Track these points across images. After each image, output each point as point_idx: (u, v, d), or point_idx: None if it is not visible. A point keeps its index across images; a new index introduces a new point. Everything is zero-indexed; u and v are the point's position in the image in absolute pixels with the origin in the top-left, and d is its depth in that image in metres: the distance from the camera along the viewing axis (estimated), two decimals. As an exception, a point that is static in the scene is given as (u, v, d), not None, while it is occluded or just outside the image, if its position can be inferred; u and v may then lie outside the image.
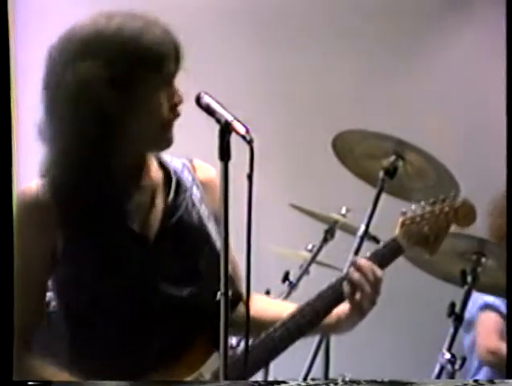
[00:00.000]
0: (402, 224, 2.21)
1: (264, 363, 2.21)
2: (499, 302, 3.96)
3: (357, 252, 3.06)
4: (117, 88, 2.06)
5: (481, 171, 4.74)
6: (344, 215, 3.64)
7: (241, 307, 2.23)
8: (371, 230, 3.12)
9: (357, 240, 3.11)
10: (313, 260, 3.67)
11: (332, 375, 3.35)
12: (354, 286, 2.15)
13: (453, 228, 2.32)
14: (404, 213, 2.23)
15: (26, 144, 3.90)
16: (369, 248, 3.22)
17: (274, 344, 2.16)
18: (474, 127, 5.18)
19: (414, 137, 3.06)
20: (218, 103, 1.94)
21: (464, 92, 5.20)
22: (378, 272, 2.16)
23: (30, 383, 2.11)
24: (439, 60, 5.25)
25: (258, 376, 2.24)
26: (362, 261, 2.18)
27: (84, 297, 2.13)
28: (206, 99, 1.95)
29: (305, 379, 3.11)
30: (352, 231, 3.32)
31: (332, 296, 2.18)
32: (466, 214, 2.28)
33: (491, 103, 5.36)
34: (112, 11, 2.11)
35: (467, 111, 5.19)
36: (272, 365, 2.67)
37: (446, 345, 2.87)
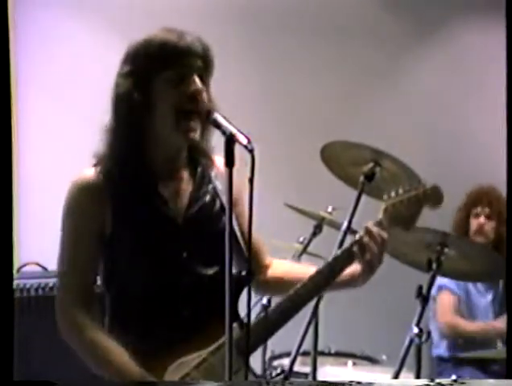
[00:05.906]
0: (385, 210, 2.40)
1: (291, 316, 2.30)
2: (452, 284, 4.30)
3: (341, 245, 3.14)
4: (140, 86, 2.21)
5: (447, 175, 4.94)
6: (330, 213, 3.94)
7: (266, 274, 2.49)
8: (353, 225, 3.21)
9: (341, 234, 3.21)
10: (304, 250, 3.96)
11: (320, 347, 3.49)
12: (364, 248, 2.31)
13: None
14: (386, 199, 2.42)
15: (27, 144, 3.98)
16: (351, 240, 3.57)
17: (299, 299, 2.30)
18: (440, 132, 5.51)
19: (389, 145, 3.20)
20: (224, 118, 2.12)
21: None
22: (385, 235, 2.31)
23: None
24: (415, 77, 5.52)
25: (258, 351, 2.36)
26: (371, 226, 2.33)
27: (124, 275, 2.29)
28: (214, 115, 2.15)
29: (298, 350, 3.21)
30: (337, 226, 3.46)
31: (346, 257, 2.34)
32: (435, 196, 2.43)
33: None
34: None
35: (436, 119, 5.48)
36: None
37: (415, 321, 2.99)
